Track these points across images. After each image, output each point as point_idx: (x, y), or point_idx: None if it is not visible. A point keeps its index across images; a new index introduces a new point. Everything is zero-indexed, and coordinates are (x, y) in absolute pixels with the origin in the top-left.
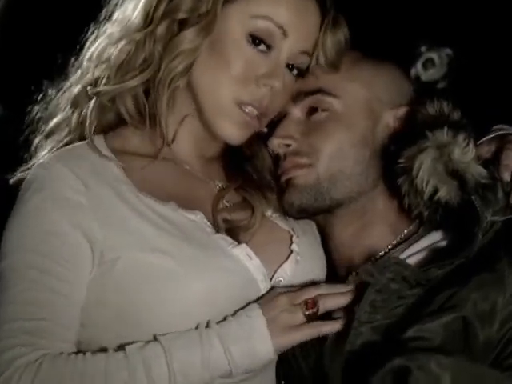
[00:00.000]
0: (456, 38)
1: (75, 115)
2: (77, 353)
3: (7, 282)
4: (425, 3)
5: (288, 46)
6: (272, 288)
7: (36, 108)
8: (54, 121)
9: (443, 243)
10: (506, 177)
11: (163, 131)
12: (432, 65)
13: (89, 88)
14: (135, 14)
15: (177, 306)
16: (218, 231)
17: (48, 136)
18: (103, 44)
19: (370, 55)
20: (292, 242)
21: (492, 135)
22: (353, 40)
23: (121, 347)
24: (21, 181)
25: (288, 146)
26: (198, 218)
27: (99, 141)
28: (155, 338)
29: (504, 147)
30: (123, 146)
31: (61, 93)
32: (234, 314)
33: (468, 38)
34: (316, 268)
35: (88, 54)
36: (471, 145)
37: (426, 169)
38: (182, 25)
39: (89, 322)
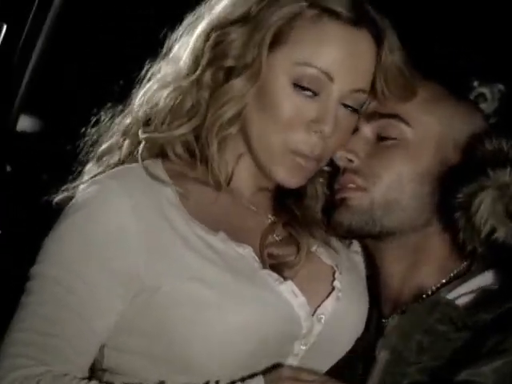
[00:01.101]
0: (508, 73)
1: (126, 144)
2: (83, 378)
3: (32, 288)
4: (478, 37)
5: (337, 89)
6: (278, 365)
7: (90, 131)
8: (106, 144)
9: (494, 285)
10: None
11: (216, 175)
12: (484, 100)
13: (139, 132)
14: (185, 57)
15: (215, 337)
16: (265, 266)
17: (99, 159)
18: (154, 86)
19: (453, 92)
20: (334, 279)
21: None
22: None
23: None
24: (65, 200)
25: (351, 161)
26: (247, 251)
27: (157, 163)
28: None
29: None
30: (185, 170)
31: (117, 119)
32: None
33: None
34: (358, 306)
35: (141, 94)
36: None
37: (485, 208)
38: (229, 72)
39: (123, 347)
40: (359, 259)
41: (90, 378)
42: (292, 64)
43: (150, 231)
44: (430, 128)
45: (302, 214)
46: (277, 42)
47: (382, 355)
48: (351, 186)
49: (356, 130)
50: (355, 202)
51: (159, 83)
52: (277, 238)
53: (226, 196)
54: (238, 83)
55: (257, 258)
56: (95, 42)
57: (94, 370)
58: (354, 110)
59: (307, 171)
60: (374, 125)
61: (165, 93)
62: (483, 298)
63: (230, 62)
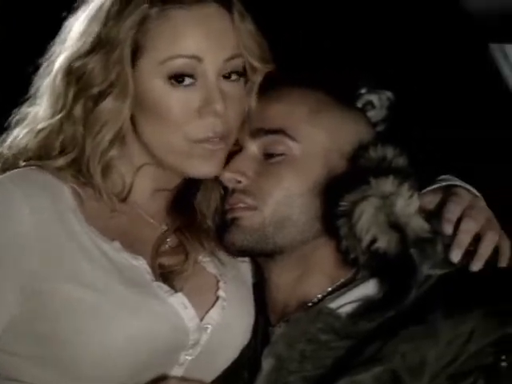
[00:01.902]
0: (396, 81)
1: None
2: None
3: None
4: (366, 45)
5: (210, 66)
6: (165, 378)
7: None
8: None
9: (377, 294)
10: (448, 230)
11: (105, 197)
12: (372, 107)
13: (20, 162)
14: (48, 98)
15: (101, 345)
16: (157, 278)
17: None
18: (23, 131)
19: (335, 102)
20: (218, 288)
21: (436, 185)
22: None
23: None
24: None
25: (239, 182)
26: (140, 263)
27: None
28: None
29: (448, 199)
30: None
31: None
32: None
33: (408, 81)
34: (243, 315)
35: (9, 140)
36: (415, 196)
37: (367, 218)
38: (97, 99)
39: (13, 351)
40: (246, 268)
41: None
42: (159, 64)
43: (46, 236)
44: (317, 140)
45: (193, 221)
46: (135, 51)
47: (267, 363)
48: (241, 205)
49: (242, 148)
50: (246, 222)
51: (26, 128)
52: (168, 247)
53: (123, 206)
54: (107, 104)
55: (149, 269)
56: None
57: None
58: (237, 78)
59: (219, 154)
60: (260, 142)
61: (32, 135)
62: (366, 307)
63: (96, 89)
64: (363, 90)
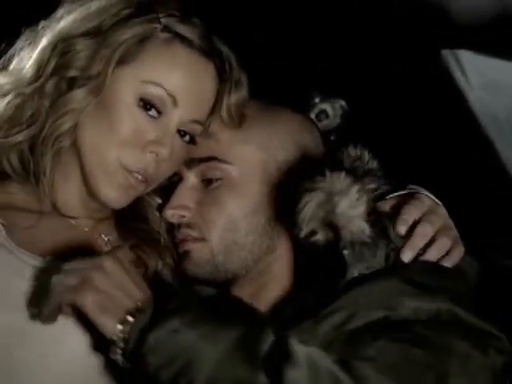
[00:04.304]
0: (349, 89)
1: None
2: None
3: None
4: (319, 55)
5: (179, 115)
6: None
7: None
8: None
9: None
10: (401, 230)
11: (46, 189)
12: (325, 116)
13: None
14: (27, 66)
15: None
16: None
17: None
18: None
19: (265, 109)
20: None
21: (402, 192)
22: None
23: None
24: None
25: (183, 216)
26: None
27: None
28: None
29: (407, 202)
30: (8, 200)
31: None
32: None
33: (361, 90)
34: None
35: None
36: (362, 199)
37: (308, 210)
38: (71, 83)
39: None
40: None
41: None
42: (140, 81)
43: None
44: (251, 157)
45: (150, 238)
46: (125, 58)
47: None
48: (189, 238)
49: (181, 179)
50: (196, 254)
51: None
52: None
53: (58, 222)
54: (79, 94)
55: None
56: None
57: None
58: (188, 142)
59: (134, 191)
60: (197, 171)
61: (5, 100)
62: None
63: (73, 73)
64: (317, 100)
